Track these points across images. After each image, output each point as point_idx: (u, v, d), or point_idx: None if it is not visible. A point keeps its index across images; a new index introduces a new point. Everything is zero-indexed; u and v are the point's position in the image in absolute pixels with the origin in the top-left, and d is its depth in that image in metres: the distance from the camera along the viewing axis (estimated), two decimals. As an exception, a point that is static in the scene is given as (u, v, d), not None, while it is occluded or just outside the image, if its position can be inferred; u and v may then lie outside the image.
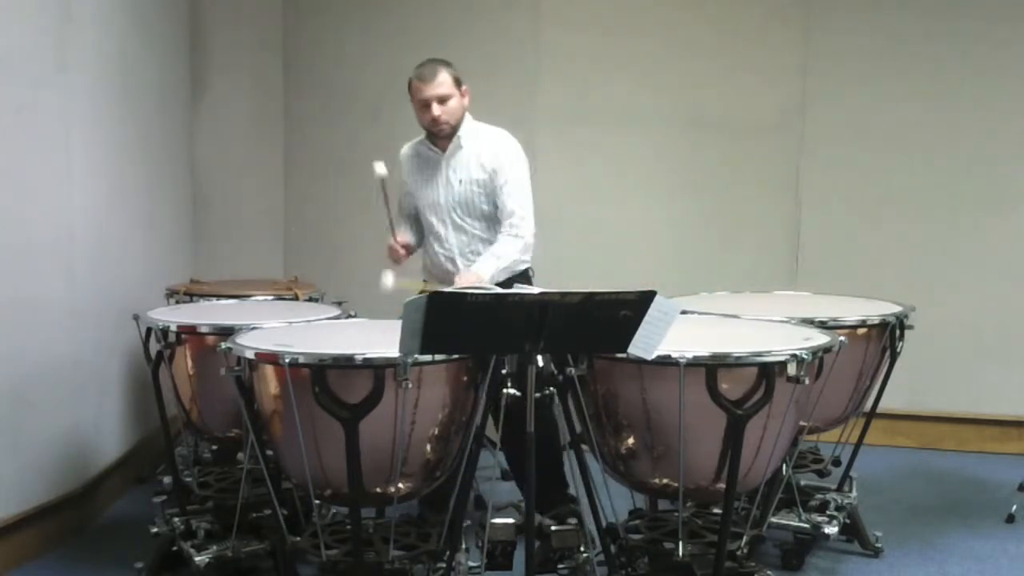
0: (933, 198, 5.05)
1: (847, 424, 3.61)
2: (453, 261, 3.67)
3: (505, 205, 3.58)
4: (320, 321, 3.34)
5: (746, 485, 2.91)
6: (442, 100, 3.50)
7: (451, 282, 3.50)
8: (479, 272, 3.47)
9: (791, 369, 2.74)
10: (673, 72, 5.21)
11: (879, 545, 3.66)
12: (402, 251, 3.68)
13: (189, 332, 3.25)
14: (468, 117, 3.65)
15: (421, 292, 2.63)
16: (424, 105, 3.52)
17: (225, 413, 3.26)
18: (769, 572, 3.06)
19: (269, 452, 2.95)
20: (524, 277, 3.72)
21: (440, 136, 3.60)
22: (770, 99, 5.18)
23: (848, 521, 3.62)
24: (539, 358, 2.39)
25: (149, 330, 3.35)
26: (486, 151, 3.61)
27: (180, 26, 5.15)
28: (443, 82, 3.49)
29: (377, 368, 2.59)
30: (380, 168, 3.40)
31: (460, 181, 3.61)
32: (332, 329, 3.25)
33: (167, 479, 3.57)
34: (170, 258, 4.93)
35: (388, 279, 3.38)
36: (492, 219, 3.65)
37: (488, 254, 3.57)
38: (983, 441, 5.03)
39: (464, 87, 3.57)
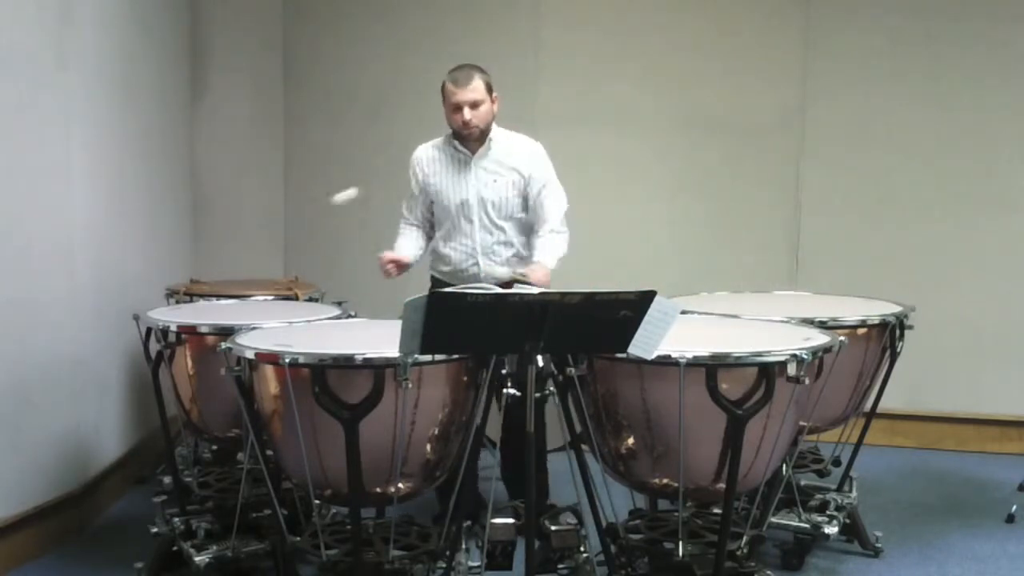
0: (933, 198, 5.05)
1: (847, 424, 3.61)
2: (475, 258, 3.72)
3: (548, 207, 3.68)
4: (320, 321, 3.35)
5: (746, 485, 2.91)
6: (474, 105, 3.57)
7: (468, 280, 3.54)
8: (544, 263, 3.55)
9: (791, 369, 2.74)
10: (673, 72, 5.21)
11: (879, 545, 3.66)
12: (391, 267, 3.69)
13: (189, 332, 3.25)
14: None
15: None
16: (456, 108, 3.59)
17: (225, 413, 3.26)
18: (769, 572, 3.06)
19: (269, 452, 2.95)
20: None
21: (469, 139, 3.66)
22: (770, 99, 5.18)
23: (848, 521, 3.62)
24: (539, 358, 2.39)
25: (149, 330, 3.36)
26: (518, 155, 3.70)
27: (180, 26, 5.15)
28: (476, 88, 3.57)
29: (377, 368, 2.59)
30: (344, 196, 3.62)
31: (495, 181, 3.68)
32: (332, 329, 3.25)
33: (167, 479, 3.57)
34: (170, 258, 4.93)
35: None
36: (519, 221, 3.73)
37: (544, 250, 3.62)
38: (983, 441, 5.03)
39: (495, 94, 3.65)
